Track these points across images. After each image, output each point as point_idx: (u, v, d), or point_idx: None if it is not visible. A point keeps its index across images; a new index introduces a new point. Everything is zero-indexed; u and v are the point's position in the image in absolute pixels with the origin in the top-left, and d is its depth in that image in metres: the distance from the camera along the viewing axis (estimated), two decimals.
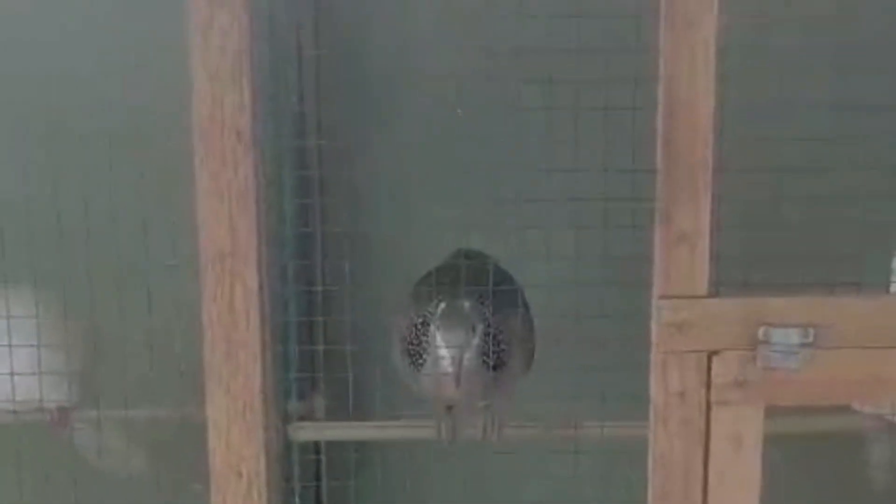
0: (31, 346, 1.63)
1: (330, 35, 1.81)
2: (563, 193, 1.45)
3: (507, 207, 1.48)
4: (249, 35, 1.40)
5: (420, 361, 1.60)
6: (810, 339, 1.42)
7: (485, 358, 1.59)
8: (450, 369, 1.56)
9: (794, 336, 1.42)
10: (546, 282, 1.51)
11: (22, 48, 1.66)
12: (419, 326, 1.60)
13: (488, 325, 1.58)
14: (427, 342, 1.59)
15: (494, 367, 1.60)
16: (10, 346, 1.61)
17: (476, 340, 1.57)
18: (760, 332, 1.42)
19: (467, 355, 1.56)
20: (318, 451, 1.86)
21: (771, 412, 1.45)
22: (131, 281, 1.52)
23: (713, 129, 1.38)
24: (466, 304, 1.58)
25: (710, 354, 1.43)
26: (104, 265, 1.52)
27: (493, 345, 1.59)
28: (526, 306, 1.66)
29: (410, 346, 1.61)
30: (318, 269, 1.77)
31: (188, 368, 1.50)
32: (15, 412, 1.67)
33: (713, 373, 1.43)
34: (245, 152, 1.43)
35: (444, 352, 1.57)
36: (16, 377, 1.64)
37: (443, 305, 1.58)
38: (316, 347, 1.74)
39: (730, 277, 1.43)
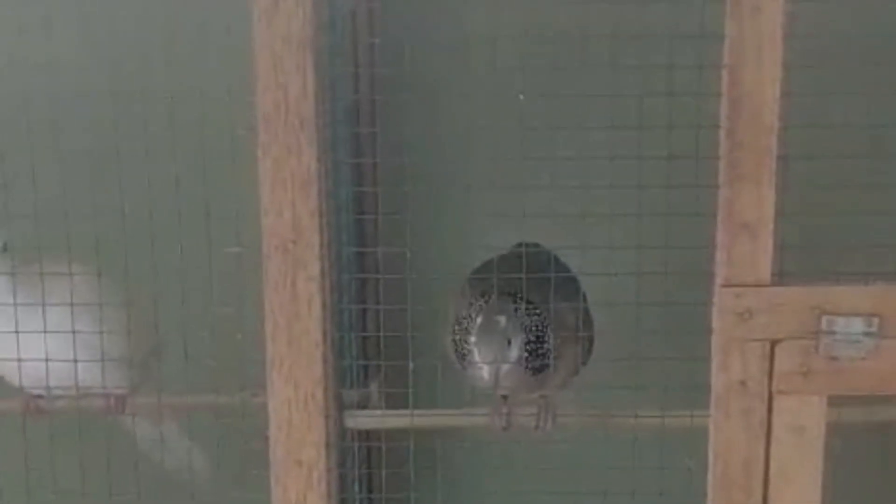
0: (94, 332, 1.64)
1: (385, 22, 1.81)
2: (626, 181, 1.44)
3: (568, 195, 1.47)
4: (314, 23, 1.40)
5: (464, 361, 1.62)
6: (874, 328, 1.41)
7: (526, 365, 1.60)
8: (488, 381, 1.59)
9: (857, 325, 1.41)
10: (607, 270, 1.50)
11: (85, 34, 1.67)
12: (464, 327, 1.62)
13: (528, 333, 1.59)
14: (469, 350, 1.61)
15: (539, 371, 1.61)
16: (73, 332, 1.62)
17: (514, 354, 1.59)
18: (824, 320, 1.41)
19: (505, 368, 1.58)
20: (369, 439, 1.86)
21: (834, 402, 1.45)
22: (194, 269, 1.52)
23: (778, 116, 1.37)
24: (503, 319, 1.59)
25: (773, 343, 1.42)
26: (167, 253, 1.52)
27: (536, 348, 1.60)
28: (584, 298, 1.66)
29: (456, 343, 1.63)
30: (373, 256, 1.77)
31: (249, 357, 1.50)
32: (74, 398, 1.69)
33: (775, 362, 1.42)
34: (308, 140, 1.43)
35: (480, 365, 1.59)
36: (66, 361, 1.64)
37: (480, 320, 1.60)
38: (373, 335, 1.74)
39: (793, 265, 1.42)
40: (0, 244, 1.67)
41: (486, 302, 1.60)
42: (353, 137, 1.80)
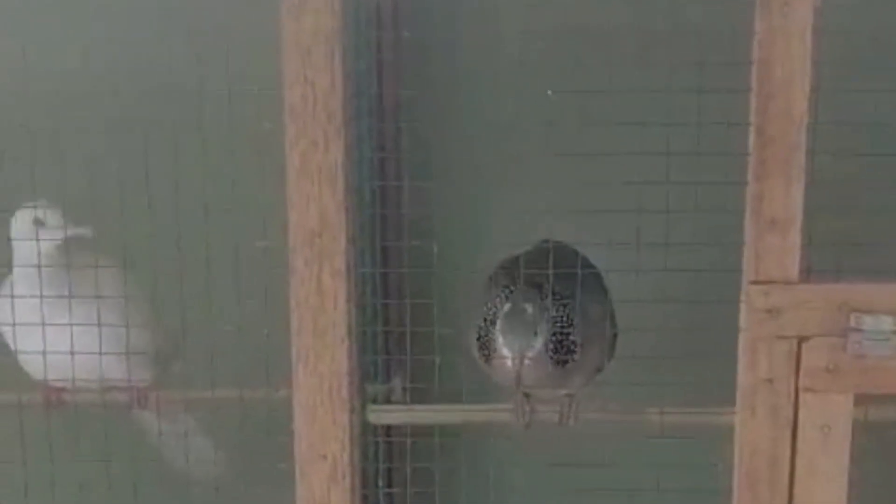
0: (120, 326, 1.64)
1: (410, 17, 1.81)
2: (654, 177, 1.44)
3: (595, 192, 1.47)
4: (342, 17, 1.40)
5: (489, 355, 1.62)
6: None
7: (551, 355, 1.59)
8: (511, 371, 1.57)
9: (885, 323, 1.41)
10: (633, 267, 1.49)
11: (113, 38, 1.67)
12: (488, 321, 1.61)
13: (555, 324, 1.59)
14: (494, 339, 1.60)
15: (563, 363, 1.60)
16: (98, 325, 1.62)
17: (539, 343, 1.58)
18: (852, 318, 1.41)
19: (529, 356, 1.57)
20: (391, 434, 1.86)
21: (861, 399, 1.45)
22: (220, 262, 1.52)
23: (807, 113, 1.37)
24: (530, 307, 1.58)
25: (800, 341, 1.42)
26: (194, 246, 1.52)
27: (561, 339, 1.59)
28: (606, 294, 1.66)
29: (480, 338, 1.62)
30: (397, 251, 1.77)
31: (275, 350, 1.50)
32: (97, 391, 1.69)
33: (803, 359, 1.42)
34: (335, 134, 1.43)
35: (505, 352, 1.57)
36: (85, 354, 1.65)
37: (507, 307, 1.59)
38: (397, 329, 1.74)
39: (821, 263, 1.41)
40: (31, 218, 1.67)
41: (512, 292, 1.60)
42: (378, 132, 1.80)
